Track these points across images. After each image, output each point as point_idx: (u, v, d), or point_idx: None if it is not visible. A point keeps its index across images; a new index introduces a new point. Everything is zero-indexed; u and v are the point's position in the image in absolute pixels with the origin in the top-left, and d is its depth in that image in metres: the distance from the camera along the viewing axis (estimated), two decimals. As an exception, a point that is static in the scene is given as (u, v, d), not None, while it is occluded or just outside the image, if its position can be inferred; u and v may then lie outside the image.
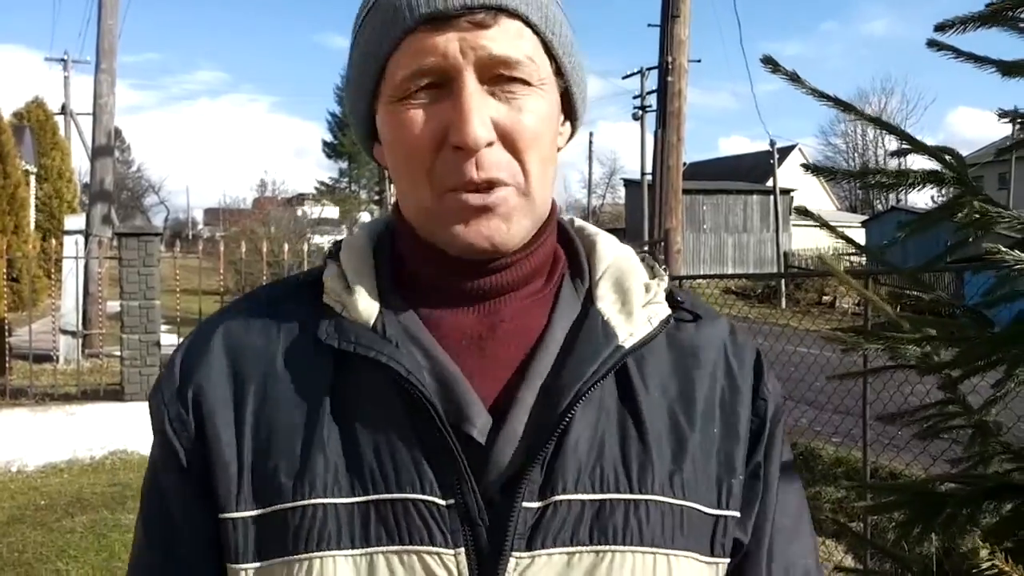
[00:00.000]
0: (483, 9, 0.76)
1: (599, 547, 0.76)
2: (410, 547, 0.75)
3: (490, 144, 0.77)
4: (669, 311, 0.87)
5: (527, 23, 0.79)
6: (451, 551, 0.75)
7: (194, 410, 0.82)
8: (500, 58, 0.77)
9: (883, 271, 3.19)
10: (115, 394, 8.60)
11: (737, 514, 0.84)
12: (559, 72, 0.84)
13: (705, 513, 0.81)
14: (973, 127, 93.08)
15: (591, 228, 0.95)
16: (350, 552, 0.75)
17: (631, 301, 0.85)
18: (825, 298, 22.75)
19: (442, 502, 0.75)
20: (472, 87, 0.77)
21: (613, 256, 0.90)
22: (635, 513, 0.77)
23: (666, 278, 0.90)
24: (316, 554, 0.75)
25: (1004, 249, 1.20)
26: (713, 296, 9.90)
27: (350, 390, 0.80)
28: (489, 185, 0.78)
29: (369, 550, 0.75)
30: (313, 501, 0.76)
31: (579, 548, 0.76)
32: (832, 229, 1.70)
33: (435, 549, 0.75)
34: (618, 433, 0.80)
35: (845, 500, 5.55)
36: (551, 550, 0.75)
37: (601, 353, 0.80)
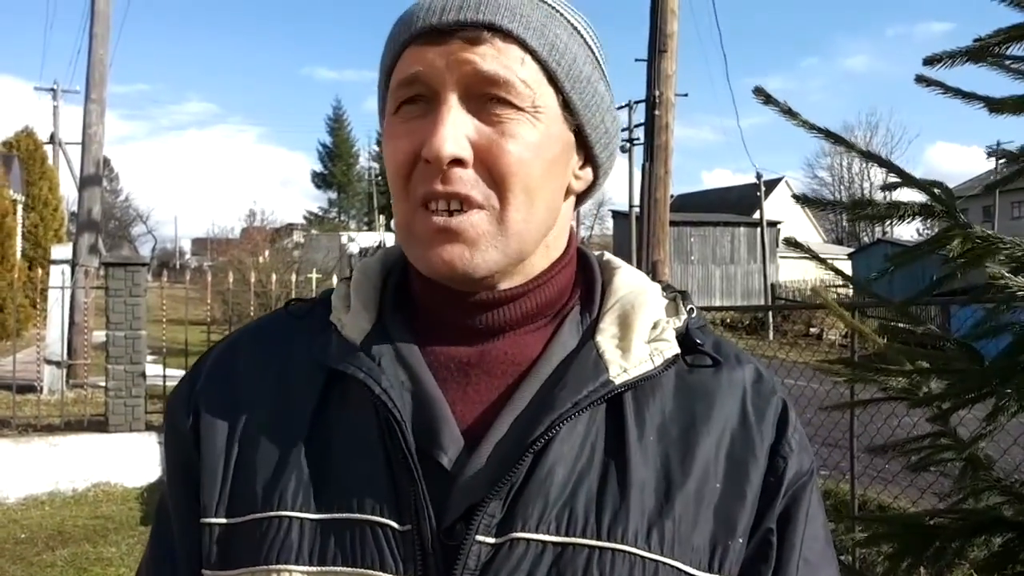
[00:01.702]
0: (475, 26, 0.76)
1: None
2: (362, 570, 0.74)
3: (463, 163, 0.75)
4: (677, 351, 0.81)
5: (525, 47, 0.77)
6: None
7: (194, 419, 0.84)
8: (486, 75, 0.76)
9: (871, 303, 3.21)
10: (99, 425, 8.50)
11: None
12: (567, 107, 0.80)
13: (688, 574, 0.74)
14: (951, 162, 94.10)
15: (617, 262, 0.91)
16: (306, 568, 0.75)
17: (631, 336, 0.81)
18: (812, 330, 22.81)
19: (399, 527, 0.74)
20: (451, 102, 0.76)
21: (628, 290, 0.86)
22: (599, 562, 0.72)
23: (684, 318, 0.84)
24: (275, 566, 0.75)
25: (1007, 274, 1.21)
26: (701, 328, 9.92)
27: (335, 407, 0.81)
28: (458, 202, 0.76)
29: (324, 569, 0.74)
30: (281, 513, 0.76)
31: None
32: (822, 261, 1.71)
33: (385, 575, 0.73)
34: (599, 475, 0.75)
35: (833, 533, 5.52)
36: None
37: (585, 387, 0.77)
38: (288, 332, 0.88)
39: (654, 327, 0.83)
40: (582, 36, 0.82)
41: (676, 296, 0.88)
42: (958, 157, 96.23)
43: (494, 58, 0.76)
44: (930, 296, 1.89)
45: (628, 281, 0.87)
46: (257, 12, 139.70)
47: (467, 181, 0.76)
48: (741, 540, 0.77)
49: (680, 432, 0.79)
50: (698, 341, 0.83)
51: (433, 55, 0.76)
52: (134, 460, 7.81)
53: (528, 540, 0.72)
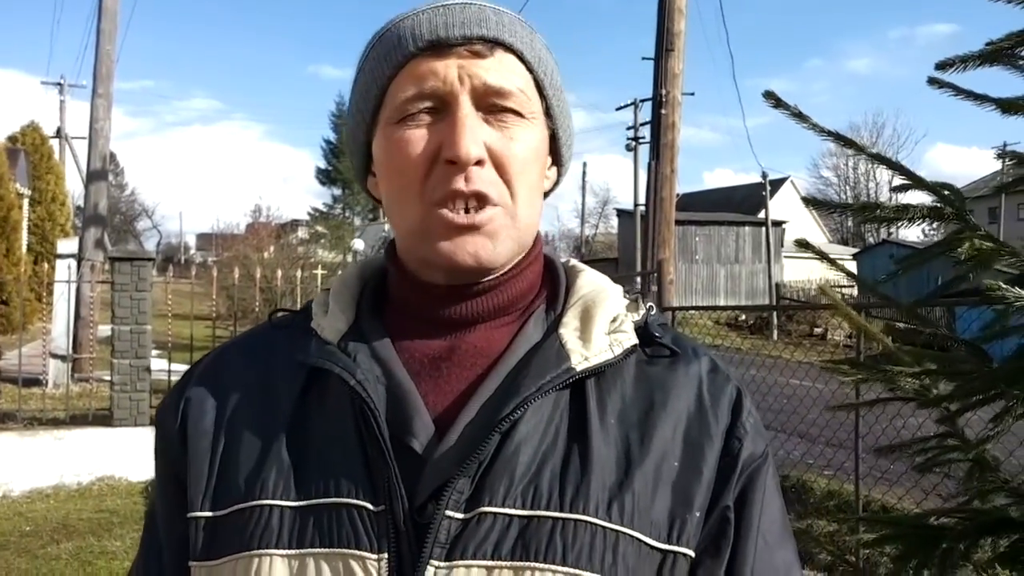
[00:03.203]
0: (481, 41, 0.84)
1: (519, 563, 0.75)
2: (338, 550, 0.78)
3: (481, 163, 0.82)
4: (635, 341, 0.87)
5: (521, 59, 0.86)
6: (375, 556, 0.77)
7: (181, 422, 0.89)
8: (494, 87, 0.83)
9: (878, 304, 3.20)
10: (104, 419, 8.53)
11: (690, 552, 0.80)
12: (548, 113, 0.90)
13: (650, 545, 0.79)
14: (952, 163, 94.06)
15: (580, 266, 0.97)
16: (285, 552, 0.79)
17: (591, 328, 0.87)
18: (816, 330, 22.81)
19: (373, 508, 0.78)
20: (467, 110, 0.82)
21: (590, 288, 0.92)
22: (562, 532, 0.76)
23: (644, 314, 0.91)
24: (256, 552, 0.79)
25: (1004, 286, 1.21)
26: (706, 327, 9.91)
27: (314, 402, 0.86)
28: (477, 199, 0.82)
29: (302, 551, 0.78)
30: (262, 502, 0.81)
31: (499, 562, 0.75)
32: (832, 261, 1.72)
33: (360, 553, 0.77)
34: (562, 454, 0.80)
35: (837, 533, 5.52)
36: (470, 562, 0.75)
37: (549, 372, 0.82)
38: (272, 341, 0.94)
39: (613, 320, 0.89)
40: (550, 52, 0.91)
41: (637, 297, 0.94)
42: (959, 159, 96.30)
43: (498, 71, 0.84)
44: (940, 297, 1.89)
45: (590, 281, 0.94)
46: (263, 10, 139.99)
47: (486, 179, 0.83)
48: (698, 515, 0.82)
49: (640, 416, 0.84)
50: (656, 334, 0.90)
51: (443, 67, 0.83)
52: (138, 454, 7.83)
53: (495, 514, 0.77)
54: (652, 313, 0.92)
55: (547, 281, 0.95)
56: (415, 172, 0.83)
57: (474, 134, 0.81)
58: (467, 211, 0.82)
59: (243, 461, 0.84)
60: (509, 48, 0.85)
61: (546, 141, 0.90)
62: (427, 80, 0.83)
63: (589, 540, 0.76)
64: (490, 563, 0.75)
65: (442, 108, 0.83)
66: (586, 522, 0.77)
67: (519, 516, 0.77)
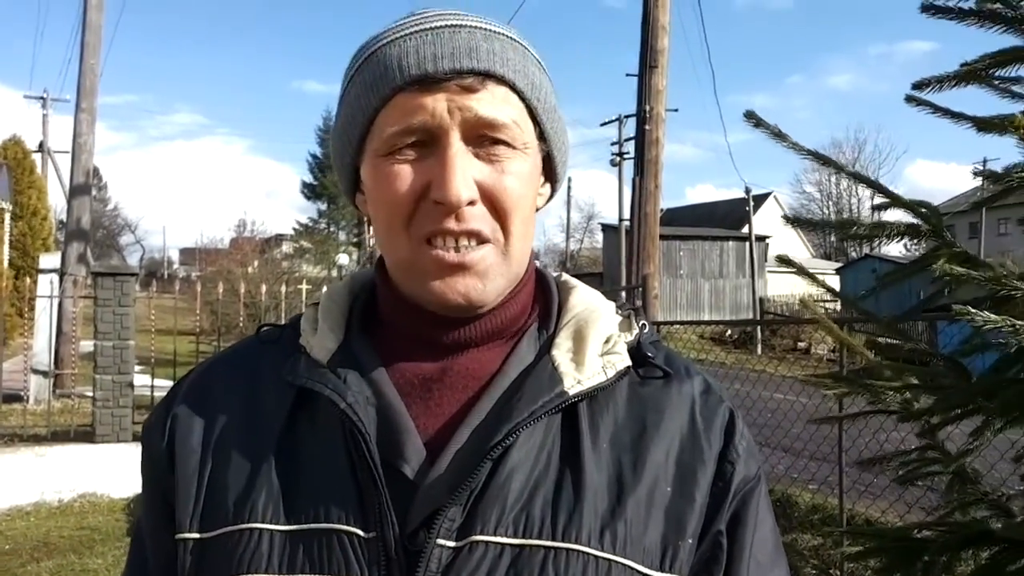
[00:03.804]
0: (471, 74, 0.80)
1: None
2: None
3: (472, 203, 0.80)
4: (628, 363, 0.86)
5: (513, 89, 0.83)
6: None
7: (168, 440, 0.88)
8: (486, 120, 0.80)
9: (860, 319, 3.23)
10: (86, 435, 8.45)
11: None
12: (542, 136, 0.87)
13: (643, 573, 0.78)
14: (931, 179, 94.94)
15: (573, 282, 0.96)
16: None
17: (584, 350, 0.85)
18: (800, 344, 22.91)
19: (364, 534, 0.77)
20: (457, 146, 0.80)
21: (583, 307, 0.91)
22: (554, 561, 0.75)
23: (636, 333, 0.89)
24: None
25: (972, 310, 1.24)
26: (690, 341, 9.94)
27: (303, 424, 0.85)
28: (468, 236, 0.80)
29: None
30: (251, 525, 0.80)
31: None
32: (813, 277, 1.74)
33: None
34: (555, 480, 0.79)
35: (822, 547, 5.54)
36: None
37: (541, 397, 0.80)
38: (259, 356, 0.92)
39: (607, 341, 0.87)
40: (542, 66, 0.88)
41: (630, 313, 0.92)
42: (938, 175, 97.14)
43: (490, 103, 0.81)
44: (921, 312, 1.92)
45: (583, 299, 0.92)
46: (248, 25, 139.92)
47: (478, 217, 0.81)
48: (691, 541, 0.81)
49: (632, 440, 0.83)
50: (649, 355, 0.88)
51: (432, 102, 0.80)
52: (121, 471, 7.75)
53: (487, 543, 0.76)
54: (645, 331, 0.90)
55: (539, 298, 0.93)
56: (404, 209, 0.81)
57: (465, 175, 0.79)
58: (458, 249, 0.81)
59: (232, 482, 0.83)
60: (501, 79, 0.81)
61: (539, 166, 0.88)
62: (415, 115, 0.80)
63: (581, 569, 0.75)
64: None
65: (431, 142, 0.81)
66: (578, 551, 0.76)
67: (511, 545, 0.76)
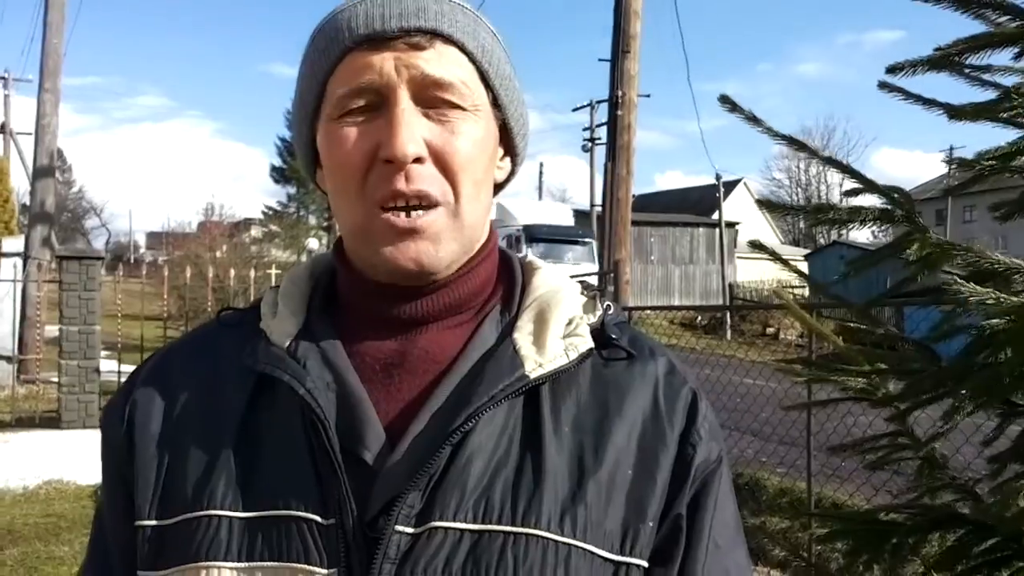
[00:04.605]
0: (419, 32, 0.81)
1: None
2: (287, 563, 0.76)
3: (421, 160, 0.80)
4: (591, 345, 0.85)
5: (463, 50, 0.83)
6: (324, 570, 0.76)
7: (127, 426, 0.87)
8: (433, 78, 0.81)
9: (829, 304, 3.27)
10: (52, 421, 8.35)
11: (643, 563, 0.80)
12: (496, 104, 0.87)
13: (603, 557, 0.78)
14: (896, 167, 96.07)
15: (538, 263, 0.95)
16: (234, 564, 0.77)
17: (546, 332, 0.85)
18: (769, 330, 23.16)
19: (323, 521, 0.77)
20: (405, 104, 0.80)
21: (546, 288, 0.90)
22: (513, 547, 0.75)
23: (600, 314, 0.89)
24: (204, 563, 0.78)
25: (959, 280, 1.24)
26: (661, 327, 10.00)
27: (264, 410, 0.84)
28: (418, 199, 0.80)
29: (251, 564, 0.77)
30: (210, 512, 0.79)
31: None
32: (784, 262, 1.74)
33: (310, 568, 0.76)
34: (515, 465, 0.79)
35: (790, 530, 5.61)
36: None
37: (501, 381, 0.80)
38: (219, 341, 0.91)
39: (569, 323, 0.87)
40: (498, 39, 0.89)
41: (595, 295, 0.92)
42: (903, 162, 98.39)
43: (438, 62, 0.81)
44: (889, 298, 1.93)
45: (546, 281, 0.91)
46: (215, 7, 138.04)
47: (427, 177, 0.81)
48: (652, 524, 0.81)
49: (594, 422, 0.83)
50: (613, 336, 0.87)
51: (380, 60, 0.80)
52: (87, 457, 7.65)
53: (446, 529, 0.75)
54: (610, 313, 0.90)
55: (503, 279, 0.92)
56: (354, 171, 0.81)
57: (412, 131, 0.79)
58: (408, 214, 0.80)
59: (191, 468, 0.82)
60: (449, 39, 0.82)
61: (494, 133, 0.87)
62: (363, 74, 0.80)
63: (541, 555, 0.75)
64: None
65: (380, 103, 0.81)
66: (538, 536, 0.76)
67: (470, 531, 0.75)
